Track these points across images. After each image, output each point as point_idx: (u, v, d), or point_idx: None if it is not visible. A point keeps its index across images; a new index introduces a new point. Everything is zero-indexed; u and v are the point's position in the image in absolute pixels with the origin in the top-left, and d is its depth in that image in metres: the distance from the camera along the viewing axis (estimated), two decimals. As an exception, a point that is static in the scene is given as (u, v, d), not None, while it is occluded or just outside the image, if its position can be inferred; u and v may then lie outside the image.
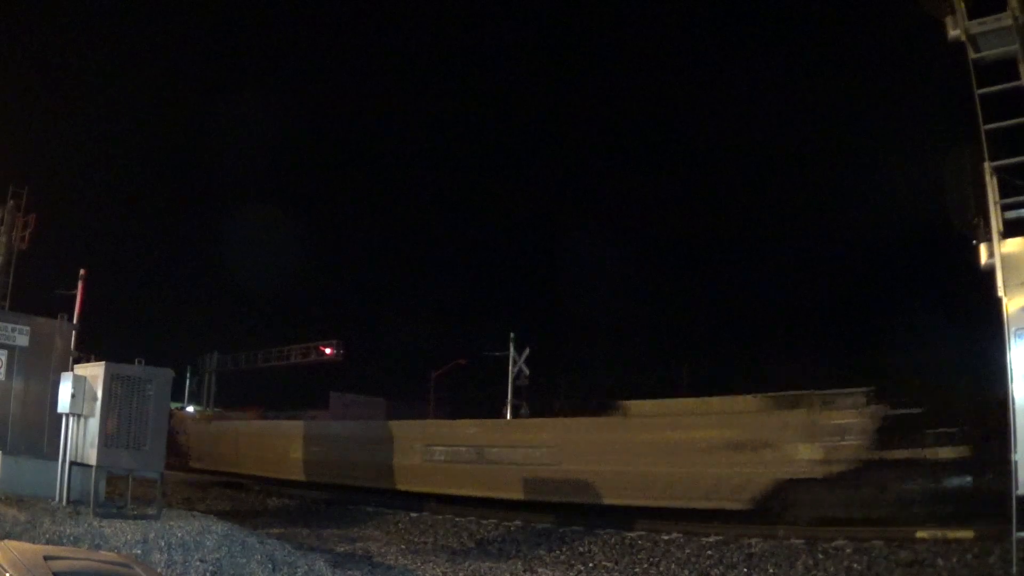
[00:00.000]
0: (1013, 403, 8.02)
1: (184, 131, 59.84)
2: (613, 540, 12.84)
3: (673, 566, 11.22)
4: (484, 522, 14.87)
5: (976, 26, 8.79)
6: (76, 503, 10.08)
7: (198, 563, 8.28)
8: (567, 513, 14.57)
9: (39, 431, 11.62)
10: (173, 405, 24.09)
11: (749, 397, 14.45)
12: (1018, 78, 8.68)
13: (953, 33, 8.98)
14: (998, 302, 8.33)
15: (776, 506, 12.68)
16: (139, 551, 8.00)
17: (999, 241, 8.41)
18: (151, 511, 10.10)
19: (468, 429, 17.65)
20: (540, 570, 10.92)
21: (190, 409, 33.98)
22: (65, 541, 7.96)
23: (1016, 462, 7.87)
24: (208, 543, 8.77)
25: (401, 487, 17.32)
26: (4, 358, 11.76)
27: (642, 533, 13.06)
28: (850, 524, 11.63)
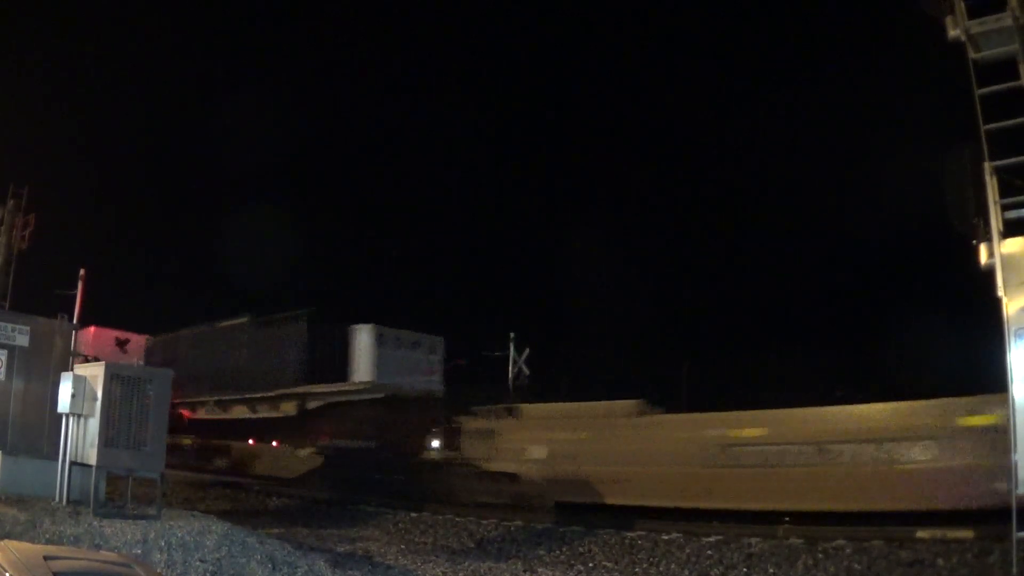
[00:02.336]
0: (1013, 403, 8.01)
1: (184, 131, 59.69)
2: (613, 540, 12.83)
3: (673, 566, 11.22)
4: (484, 522, 14.88)
5: (976, 26, 8.76)
6: (76, 503, 10.08)
7: (198, 563, 8.28)
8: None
9: (39, 431, 11.62)
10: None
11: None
12: (1018, 78, 8.65)
13: (953, 33, 8.95)
14: (998, 302, 8.31)
15: None
16: (139, 551, 8.00)
17: (999, 241, 8.38)
18: (151, 511, 10.10)
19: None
20: (540, 570, 10.91)
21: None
22: (65, 541, 7.96)
23: (1016, 462, 7.86)
24: (208, 543, 8.76)
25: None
26: (4, 358, 11.75)
27: (642, 533, 13.05)
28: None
